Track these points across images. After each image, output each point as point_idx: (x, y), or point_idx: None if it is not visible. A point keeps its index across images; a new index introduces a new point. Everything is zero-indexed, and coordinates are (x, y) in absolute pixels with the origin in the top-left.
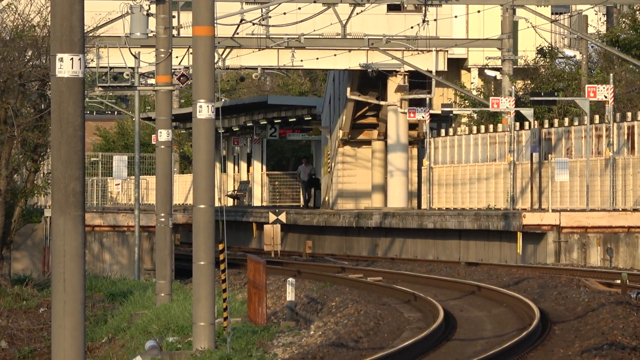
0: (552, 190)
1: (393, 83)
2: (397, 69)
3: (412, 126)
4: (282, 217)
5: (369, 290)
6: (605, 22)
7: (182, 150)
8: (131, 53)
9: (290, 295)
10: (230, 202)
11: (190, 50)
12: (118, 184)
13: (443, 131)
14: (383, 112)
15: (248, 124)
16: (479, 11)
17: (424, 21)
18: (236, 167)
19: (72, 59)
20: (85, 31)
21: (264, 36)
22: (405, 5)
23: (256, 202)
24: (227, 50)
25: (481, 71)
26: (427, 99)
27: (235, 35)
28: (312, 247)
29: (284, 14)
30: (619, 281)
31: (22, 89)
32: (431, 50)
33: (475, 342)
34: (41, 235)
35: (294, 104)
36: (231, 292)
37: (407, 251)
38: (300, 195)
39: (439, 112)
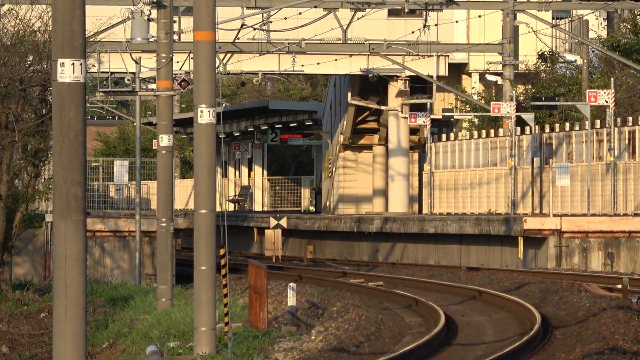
0: (553, 194)
1: (394, 88)
2: (398, 74)
3: (413, 131)
4: (283, 222)
5: (370, 295)
6: (606, 27)
7: (183, 155)
8: (132, 58)
9: (291, 300)
10: (231, 207)
11: (191, 55)
12: (119, 189)
13: (444, 136)
14: (384, 117)
15: (249, 129)
16: (479, 16)
17: (424, 26)
18: (237, 172)
19: (73, 64)
20: (87, 36)
21: (265, 41)
22: (406, 10)
23: (257, 207)
24: (228, 55)
25: (482, 76)
26: (428, 103)
27: (236, 40)
28: (313, 252)
29: (285, 19)
30: (620, 286)
31: (23, 94)
32: (432, 55)
33: (477, 346)
34: (42, 240)
35: (295, 108)
36: (232, 297)
37: (408, 256)
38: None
39: (440, 116)
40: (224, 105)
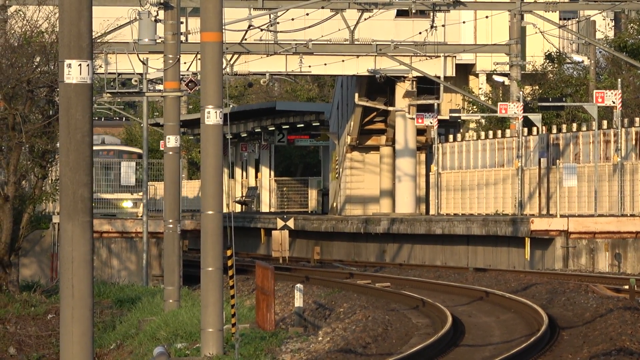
0: (560, 195)
1: (401, 89)
2: (405, 75)
3: (420, 132)
4: (290, 223)
5: (377, 296)
6: (613, 28)
7: (190, 156)
8: (139, 59)
9: (298, 301)
10: (238, 208)
11: (199, 56)
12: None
13: (451, 137)
14: (391, 118)
15: (256, 130)
16: (487, 17)
17: (432, 27)
18: (244, 173)
19: (80, 65)
20: (94, 37)
21: (272, 42)
22: (413, 10)
23: (264, 208)
24: (235, 56)
25: (489, 77)
26: (435, 104)
27: (244, 41)
28: (320, 253)
29: (292, 19)
30: (627, 287)
31: (30, 95)
32: (439, 56)
33: (484, 347)
34: (49, 242)
35: (302, 109)
36: (239, 298)
37: (415, 257)
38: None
39: (447, 117)
40: (231, 106)
